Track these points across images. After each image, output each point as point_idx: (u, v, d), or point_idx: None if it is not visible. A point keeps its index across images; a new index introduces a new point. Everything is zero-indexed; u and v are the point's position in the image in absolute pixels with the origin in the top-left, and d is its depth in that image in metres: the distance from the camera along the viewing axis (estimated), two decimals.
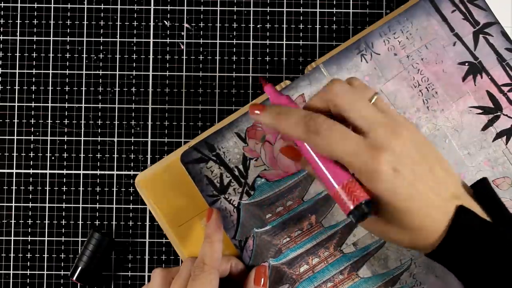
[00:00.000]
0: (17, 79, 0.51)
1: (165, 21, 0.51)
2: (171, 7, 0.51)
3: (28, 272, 0.50)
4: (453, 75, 0.47)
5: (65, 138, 0.51)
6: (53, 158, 0.51)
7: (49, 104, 0.51)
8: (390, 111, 0.38)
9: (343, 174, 0.36)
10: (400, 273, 0.46)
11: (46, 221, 0.50)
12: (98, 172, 0.51)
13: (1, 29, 0.51)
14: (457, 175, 0.40)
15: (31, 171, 0.51)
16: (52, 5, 0.51)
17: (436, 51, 0.47)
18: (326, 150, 0.36)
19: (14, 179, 0.51)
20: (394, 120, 0.38)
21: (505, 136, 0.46)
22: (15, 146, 0.51)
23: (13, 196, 0.51)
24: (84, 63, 0.51)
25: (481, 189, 0.39)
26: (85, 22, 0.51)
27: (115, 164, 0.51)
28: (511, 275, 0.36)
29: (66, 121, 0.51)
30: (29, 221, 0.51)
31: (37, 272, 0.50)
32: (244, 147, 0.47)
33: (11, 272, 0.50)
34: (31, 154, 0.51)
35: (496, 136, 0.46)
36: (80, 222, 0.51)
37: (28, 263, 0.50)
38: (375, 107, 0.38)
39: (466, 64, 0.47)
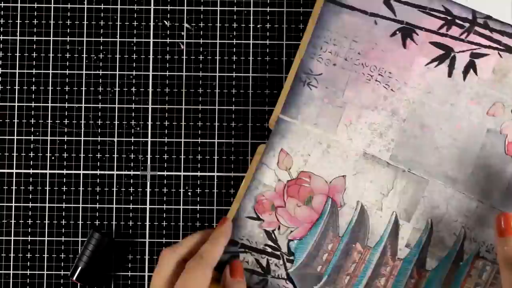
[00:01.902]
0: (17, 79, 0.51)
1: (165, 21, 0.51)
2: (171, 7, 0.52)
3: (28, 272, 0.50)
4: (393, 48, 0.47)
5: (65, 138, 0.51)
6: (53, 158, 0.51)
7: (49, 104, 0.51)
8: None
9: None
10: (461, 244, 0.46)
11: (46, 221, 0.50)
12: (98, 172, 0.51)
13: (1, 29, 0.51)
14: None
15: (31, 171, 0.51)
16: (52, 5, 0.51)
17: (365, 39, 0.47)
18: None
19: (14, 179, 0.51)
20: None
21: (471, 69, 0.46)
22: (15, 146, 0.51)
23: (13, 196, 0.51)
24: (84, 63, 0.51)
25: None
26: (85, 22, 0.51)
27: (115, 164, 0.51)
28: None
29: (66, 121, 0.51)
30: (29, 221, 0.51)
31: (37, 272, 0.50)
32: (261, 224, 0.47)
33: (11, 272, 0.50)
34: (31, 154, 0.51)
35: (464, 74, 0.46)
36: (80, 222, 0.51)
37: (28, 263, 0.50)
38: None
39: (397, 32, 0.47)
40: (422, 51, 0.47)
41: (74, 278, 0.48)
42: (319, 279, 0.46)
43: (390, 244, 0.46)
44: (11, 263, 0.50)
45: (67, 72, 0.51)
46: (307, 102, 0.47)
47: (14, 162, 0.51)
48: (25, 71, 0.51)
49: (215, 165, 0.51)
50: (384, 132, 0.47)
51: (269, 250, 0.47)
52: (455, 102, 0.46)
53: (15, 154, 0.51)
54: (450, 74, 0.46)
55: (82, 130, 0.51)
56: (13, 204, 0.51)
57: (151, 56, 0.51)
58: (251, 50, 0.51)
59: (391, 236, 0.46)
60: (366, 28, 0.47)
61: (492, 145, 0.46)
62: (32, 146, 0.51)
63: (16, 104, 0.51)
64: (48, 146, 0.51)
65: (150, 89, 0.51)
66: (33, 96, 0.51)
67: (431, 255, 0.46)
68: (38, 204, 0.51)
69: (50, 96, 0.51)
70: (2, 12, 0.51)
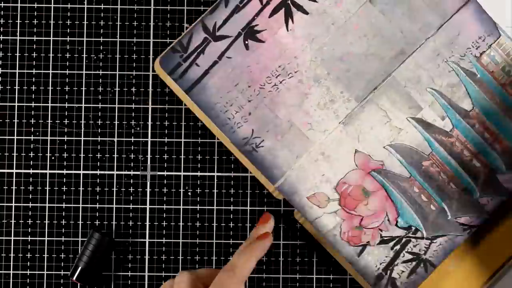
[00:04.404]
0: (17, 79, 0.51)
1: (165, 21, 0.51)
2: (171, 7, 0.52)
3: (28, 272, 0.50)
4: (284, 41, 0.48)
5: (65, 138, 0.51)
6: (53, 158, 0.51)
7: (49, 104, 0.51)
8: None
9: None
10: None
11: (46, 221, 0.50)
12: (98, 172, 0.51)
13: (1, 29, 0.51)
14: None
15: (31, 171, 0.51)
16: (52, 5, 0.51)
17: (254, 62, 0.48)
18: None
19: (14, 179, 0.51)
20: None
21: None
22: (15, 146, 0.51)
23: (13, 196, 0.51)
24: (84, 63, 0.51)
25: None
26: (85, 22, 0.51)
27: (115, 164, 0.51)
28: None
29: (66, 121, 0.51)
30: (29, 221, 0.51)
31: (37, 272, 0.50)
32: (373, 245, 0.47)
33: (11, 272, 0.50)
34: (31, 154, 0.51)
35: None
36: (80, 222, 0.51)
37: (28, 263, 0.50)
38: None
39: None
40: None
41: (74, 278, 0.48)
42: None
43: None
44: (11, 263, 0.50)
45: (67, 72, 0.51)
46: None
47: (14, 162, 0.51)
48: (25, 71, 0.51)
49: (215, 165, 0.51)
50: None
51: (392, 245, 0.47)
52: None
53: (15, 154, 0.51)
54: None
55: (82, 130, 0.51)
56: (13, 204, 0.51)
57: (151, 56, 0.51)
58: None
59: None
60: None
61: None
62: (32, 146, 0.51)
63: (16, 104, 0.51)
64: (48, 146, 0.51)
65: (150, 89, 0.51)
66: (33, 96, 0.51)
67: None
68: (38, 204, 0.51)
69: (50, 96, 0.51)
70: (2, 12, 0.51)
